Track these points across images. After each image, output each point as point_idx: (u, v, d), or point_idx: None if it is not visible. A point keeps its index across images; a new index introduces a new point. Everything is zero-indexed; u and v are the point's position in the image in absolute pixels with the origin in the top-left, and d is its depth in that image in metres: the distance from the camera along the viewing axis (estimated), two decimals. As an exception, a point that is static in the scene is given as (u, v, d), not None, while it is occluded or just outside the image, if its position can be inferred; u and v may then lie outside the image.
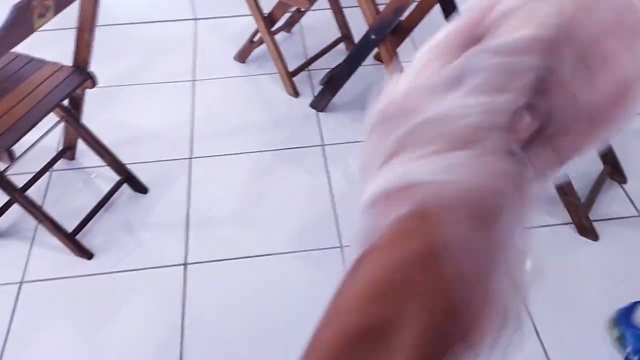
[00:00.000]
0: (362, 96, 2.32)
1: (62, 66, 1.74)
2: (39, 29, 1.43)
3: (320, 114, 2.27)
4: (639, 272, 1.75)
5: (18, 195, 1.70)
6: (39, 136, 1.76)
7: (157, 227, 1.91)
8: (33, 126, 1.59)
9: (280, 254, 1.82)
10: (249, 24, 2.46)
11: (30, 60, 1.75)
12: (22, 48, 1.52)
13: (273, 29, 2.30)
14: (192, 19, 2.79)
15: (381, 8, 2.04)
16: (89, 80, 1.72)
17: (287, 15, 2.49)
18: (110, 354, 1.60)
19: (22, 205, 1.72)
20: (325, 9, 2.47)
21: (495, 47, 0.28)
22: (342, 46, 2.53)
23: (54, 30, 1.91)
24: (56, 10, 1.41)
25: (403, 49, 2.15)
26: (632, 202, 1.93)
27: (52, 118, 1.75)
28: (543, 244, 1.83)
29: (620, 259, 1.79)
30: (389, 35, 1.96)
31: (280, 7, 2.26)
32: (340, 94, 2.23)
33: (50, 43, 2.02)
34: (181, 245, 1.84)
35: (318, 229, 1.88)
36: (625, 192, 1.96)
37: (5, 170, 1.70)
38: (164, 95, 2.39)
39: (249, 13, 2.26)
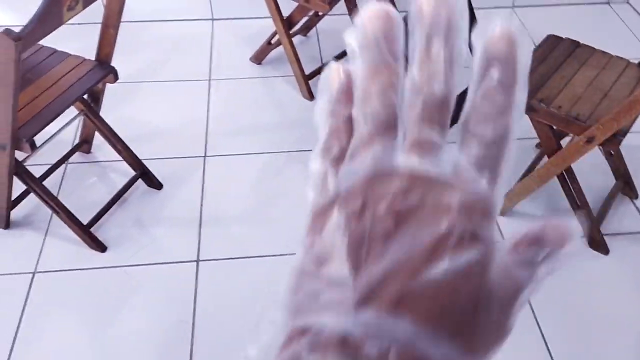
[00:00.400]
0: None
1: (85, 60, 1.75)
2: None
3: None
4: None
5: (36, 185, 1.71)
6: (57, 128, 1.78)
7: (170, 223, 1.92)
8: (55, 118, 1.60)
9: (291, 254, 1.83)
10: (265, 26, 2.48)
11: (54, 52, 1.77)
12: (44, 40, 1.54)
13: (291, 31, 2.32)
14: (210, 19, 2.81)
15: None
16: (111, 75, 1.73)
17: (304, 19, 2.51)
18: (121, 346, 1.61)
19: (39, 195, 1.73)
20: (342, 14, 2.49)
21: None
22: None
23: (75, 24, 1.93)
24: (85, 3, 1.43)
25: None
26: (636, 218, 1.95)
27: (71, 110, 1.77)
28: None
29: (630, 274, 1.80)
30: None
31: (300, 11, 2.28)
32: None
33: (70, 37, 2.04)
34: (194, 242, 1.85)
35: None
36: (637, 207, 1.98)
37: (24, 160, 1.72)
38: (180, 93, 2.41)
39: (266, 15, 2.28)
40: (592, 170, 2.03)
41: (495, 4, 2.90)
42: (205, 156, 2.14)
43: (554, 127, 1.71)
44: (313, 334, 0.23)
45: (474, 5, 2.10)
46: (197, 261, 1.81)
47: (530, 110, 1.68)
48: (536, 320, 1.66)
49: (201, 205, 1.97)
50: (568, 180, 1.78)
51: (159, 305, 1.71)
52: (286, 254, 1.82)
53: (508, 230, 1.90)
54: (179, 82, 2.46)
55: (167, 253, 1.83)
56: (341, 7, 2.40)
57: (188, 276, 1.76)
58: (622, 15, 2.93)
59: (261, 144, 2.18)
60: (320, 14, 2.48)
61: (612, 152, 1.90)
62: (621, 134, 1.59)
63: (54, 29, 1.38)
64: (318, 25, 2.65)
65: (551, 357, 1.60)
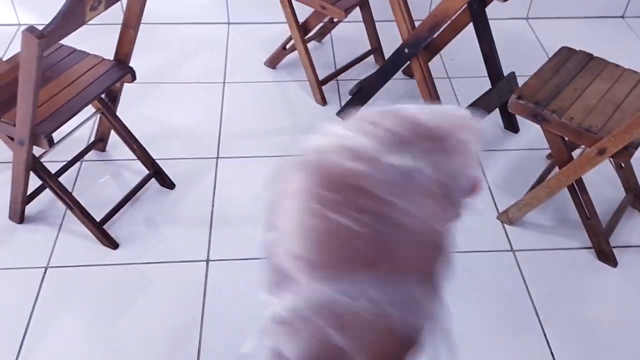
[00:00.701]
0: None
1: (104, 59, 1.78)
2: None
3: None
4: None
5: (52, 181, 1.74)
6: (74, 126, 1.80)
7: (181, 223, 1.94)
8: (73, 115, 1.63)
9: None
10: (280, 31, 2.50)
11: (74, 51, 1.80)
12: (65, 39, 1.57)
13: (306, 37, 2.34)
14: (226, 23, 2.84)
15: (414, 24, 2.08)
16: (129, 74, 1.76)
17: (319, 25, 2.53)
18: (130, 343, 1.62)
19: (54, 191, 1.76)
20: (356, 22, 2.51)
21: None
22: (371, 58, 2.57)
23: (95, 25, 1.95)
24: (107, 4, 1.45)
25: (432, 65, 2.19)
26: (652, 231, 1.95)
27: (88, 109, 1.79)
28: (562, 266, 1.84)
29: (638, 286, 1.80)
30: (422, 50, 2.00)
31: (316, 17, 2.31)
32: (367, 106, 2.27)
33: (90, 37, 2.07)
34: (204, 242, 1.87)
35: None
36: (645, 220, 1.98)
37: (41, 156, 1.75)
38: (195, 95, 2.44)
39: (281, 20, 2.31)
40: (603, 183, 2.04)
41: (510, 15, 2.92)
42: (217, 157, 2.16)
43: (566, 138, 1.72)
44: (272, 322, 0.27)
45: (488, 15, 2.11)
46: (207, 261, 1.82)
47: (542, 120, 1.69)
48: (544, 332, 1.67)
49: (212, 205, 1.99)
50: (578, 192, 1.79)
51: (168, 303, 1.73)
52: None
53: (517, 240, 1.91)
54: (194, 84, 2.49)
55: (178, 252, 1.85)
56: (356, 15, 2.43)
57: (198, 275, 1.78)
58: (635, 29, 2.94)
59: (273, 148, 2.20)
60: (335, 20, 2.50)
61: (623, 165, 1.91)
62: (633, 146, 1.59)
63: (76, 28, 1.41)
64: (333, 31, 2.68)
65: (557, 367, 1.60)
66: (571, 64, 1.85)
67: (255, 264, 1.83)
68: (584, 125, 1.65)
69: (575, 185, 1.78)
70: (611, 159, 1.69)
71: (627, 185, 1.97)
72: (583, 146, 1.75)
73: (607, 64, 1.86)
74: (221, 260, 1.83)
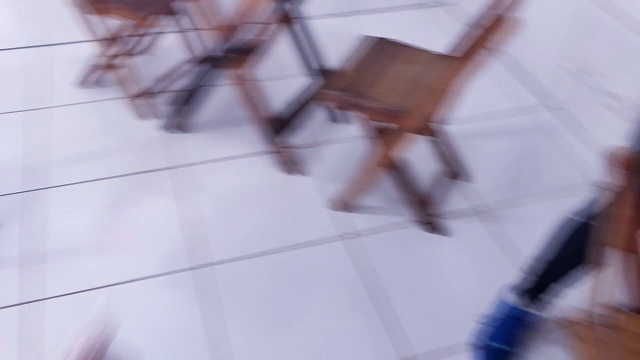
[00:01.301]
0: (221, 115, 2.35)
1: None
2: None
3: (178, 135, 2.27)
4: (489, 262, 1.88)
5: None
6: None
7: (11, 264, 1.81)
8: None
9: (138, 280, 1.79)
10: (86, 50, 2.41)
11: None
12: None
13: (117, 52, 2.28)
14: (26, 47, 2.70)
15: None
16: None
17: (135, 39, 2.48)
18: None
19: None
20: (175, 32, 2.48)
21: None
22: (192, 67, 2.54)
23: None
24: None
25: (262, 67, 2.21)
26: (472, 199, 2.08)
27: None
28: (397, 243, 1.92)
29: (470, 252, 1.91)
30: (234, 54, 2.00)
31: (121, 30, 2.25)
32: (200, 114, 2.24)
33: None
34: (41, 280, 1.76)
35: (188, 249, 1.87)
36: (466, 189, 2.11)
37: None
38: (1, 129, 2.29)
39: (85, 39, 2.22)
40: (423, 160, 2.14)
41: (333, 11, 3.01)
42: (37, 189, 2.04)
43: (374, 121, 1.79)
44: None
45: (311, 14, 2.15)
46: (44, 299, 1.71)
47: (349, 106, 1.75)
48: (393, 307, 1.72)
49: (44, 239, 1.88)
50: (397, 171, 1.87)
51: (12, 352, 1.60)
52: (135, 280, 1.78)
53: (351, 225, 1.96)
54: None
55: (10, 295, 1.72)
56: (177, 26, 2.39)
57: (37, 317, 1.67)
58: (455, 15, 3.14)
59: (99, 170, 2.11)
60: (151, 32, 2.46)
61: (437, 141, 2.02)
62: (435, 121, 1.68)
63: None
64: (156, 43, 2.63)
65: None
66: (374, 51, 1.93)
67: (96, 294, 1.74)
68: (387, 107, 1.72)
69: (393, 165, 1.85)
70: (428, 136, 1.77)
71: (443, 160, 2.09)
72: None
73: (409, 47, 1.96)
74: (57, 296, 1.73)
